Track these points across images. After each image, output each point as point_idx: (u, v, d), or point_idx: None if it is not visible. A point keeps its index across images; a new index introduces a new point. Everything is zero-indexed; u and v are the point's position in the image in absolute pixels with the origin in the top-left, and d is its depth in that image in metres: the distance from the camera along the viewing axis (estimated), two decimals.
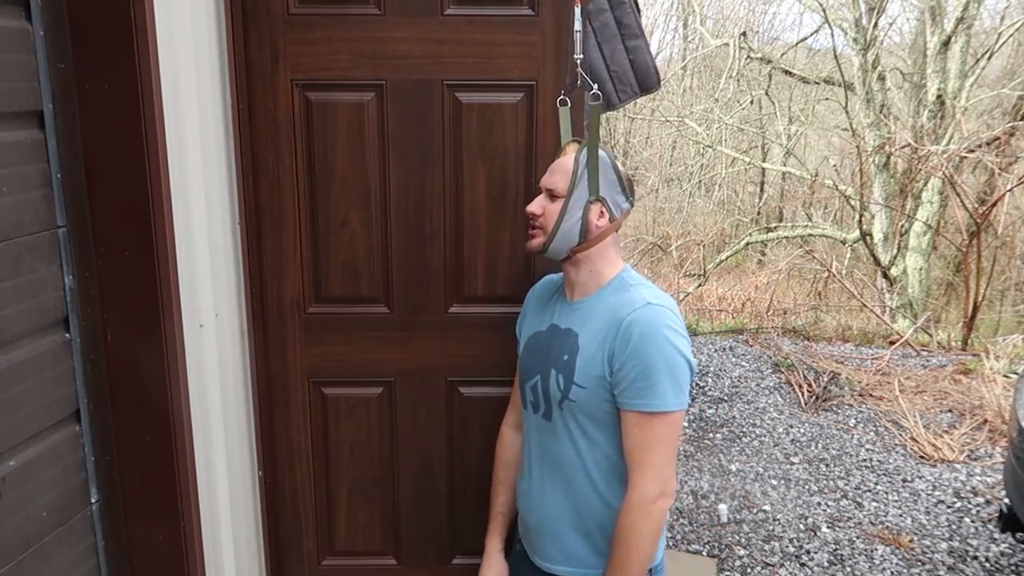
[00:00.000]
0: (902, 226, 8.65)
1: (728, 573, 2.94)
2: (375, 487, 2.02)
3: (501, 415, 1.83)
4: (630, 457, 1.44)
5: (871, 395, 4.68)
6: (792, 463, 3.87)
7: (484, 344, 1.94)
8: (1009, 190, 6.94)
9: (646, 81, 2.15)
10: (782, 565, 2.98)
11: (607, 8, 2.07)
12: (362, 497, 2.03)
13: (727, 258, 10.28)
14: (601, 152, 1.52)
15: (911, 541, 3.14)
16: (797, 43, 11.63)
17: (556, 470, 1.54)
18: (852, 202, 8.74)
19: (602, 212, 1.52)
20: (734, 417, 4.40)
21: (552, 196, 1.52)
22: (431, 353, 1.95)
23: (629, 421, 1.43)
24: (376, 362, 1.95)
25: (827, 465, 3.83)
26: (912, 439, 4.07)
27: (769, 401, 4.61)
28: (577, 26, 1.68)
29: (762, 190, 12.71)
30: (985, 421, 4.24)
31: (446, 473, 2.02)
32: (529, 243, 1.56)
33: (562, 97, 1.72)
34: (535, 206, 1.53)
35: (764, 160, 11.93)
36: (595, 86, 1.63)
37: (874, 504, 3.44)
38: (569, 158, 1.53)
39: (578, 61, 1.68)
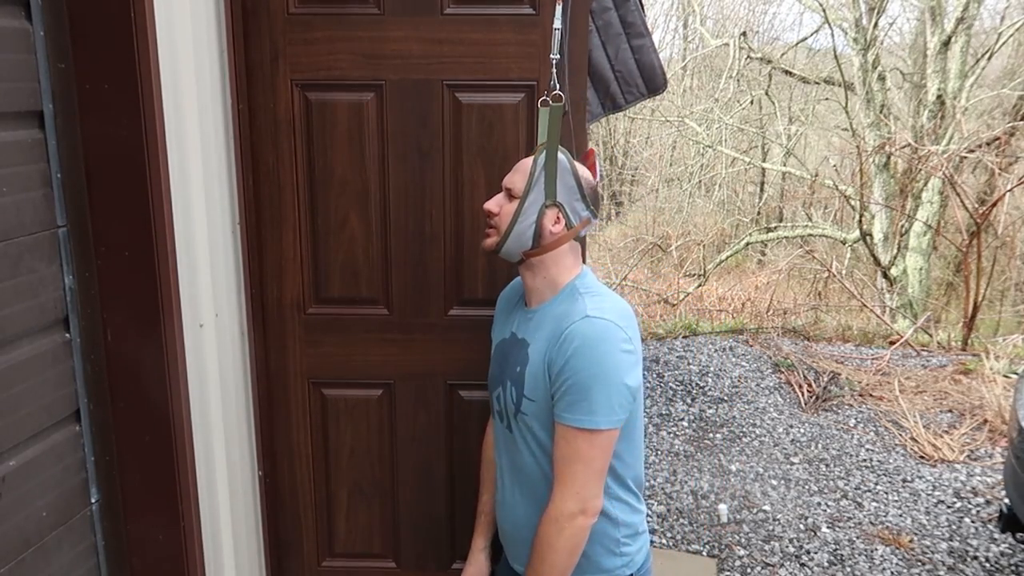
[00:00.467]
0: (902, 226, 8.65)
1: (728, 573, 2.94)
2: (375, 489, 2.02)
3: None
4: (555, 469, 1.40)
5: (871, 395, 4.67)
6: (792, 463, 3.86)
7: (484, 347, 1.91)
8: (1009, 190, 6.93)
9: (652, 81, 2.10)
10: (782, 565, 2.98)
11: (611, 6, 2.02)
12: (361, 499, 2.02)
13: (727, 258, 10.28)
14: (562, 156, 1.47)
15: (911, 541, 3.14)
16: (797, 43, 11.63)
17: (521, 479, 1.53)
18: (852, 202, 8.74)
19: (558, 218, 1.47)
20: (734, 417, 4.40)
21: (510, 195, 1.48)
22: (431, 356, 1.95)
23: (557, 433, 1.40)
24: (376, 364, 1.95)
25: (827, 465, 3.83)
26: (912, 439, 4.07)
27: (769, 401, 4.61)
28: (557, 24, 1.62)
29: (762, 190, 12.71)
30: (985, 421, 4.24)
31: (446, 477, 2.01)
32: (484, 242, 1.52)
33: (544, 98, 1.64)
34: (492, 204, 1.50)
35: (764, 160, 11.92)
36: (557, 87, 1.58)
37: (874, 504, 3.44)
38: (528, 159, 1.50)
39: (554, 61, 1.62)
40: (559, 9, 1.61)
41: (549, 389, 1.41)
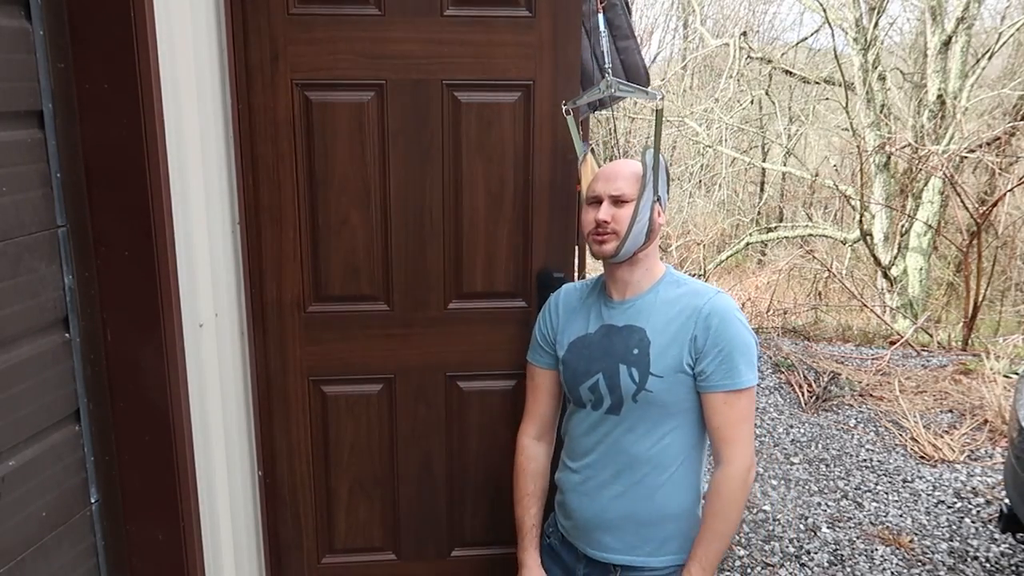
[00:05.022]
0: (902, 226, 8.64)
1: (728, 573, 2.94)
2: (375, 484, 2.02)
3: (500, 408, 1.83)
4: (720, 435, 1.56)
5: (871, 395, 4.67)
6: (792, 463, 3.86)
7: (483, 339, 1.95)
8: (1009, 190, 6.93)
9: (636, 81, 2.22)
10: (782, 565, 2.98)
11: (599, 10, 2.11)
12: (362, 494, 2.03)
13: (727, 258, 10.28)
14: (661, 154, 1.61)
15: (911, 541, 3.14)
16: (797, 43, 11.63)
17: (624, 463, 1.60)
18: (852, 202, 8.74)
19: (659, 211, 1.60)
20: None
21: (618, 202, 1.56)
22: (430, 349, 1.96)
23: (717, 401, 1.55)
24: (376, 359, 1.95)
25: (827, 465, 3.83)
26: (912, 439, 4.07)
27: (769, 401, 4.61)
28: (602, 33, 1.73)
29: (762, 190, 12.70)
30: (985, 421, 4.24)
31: (445, 467, 2.02)
32: (600, 247, 1.58)
33: (566, 107, 1.76)
34: (605, 214, 1.57)
35: (764, 160, 11.92)
36: (661, 92, 1.69)
37: (874, 504, 3.44)
38: (622, 164, 1.61)
39: (609, 71, 1.75)
40: (601, 18, 1.77)
41: (684, 364, 1.55)
